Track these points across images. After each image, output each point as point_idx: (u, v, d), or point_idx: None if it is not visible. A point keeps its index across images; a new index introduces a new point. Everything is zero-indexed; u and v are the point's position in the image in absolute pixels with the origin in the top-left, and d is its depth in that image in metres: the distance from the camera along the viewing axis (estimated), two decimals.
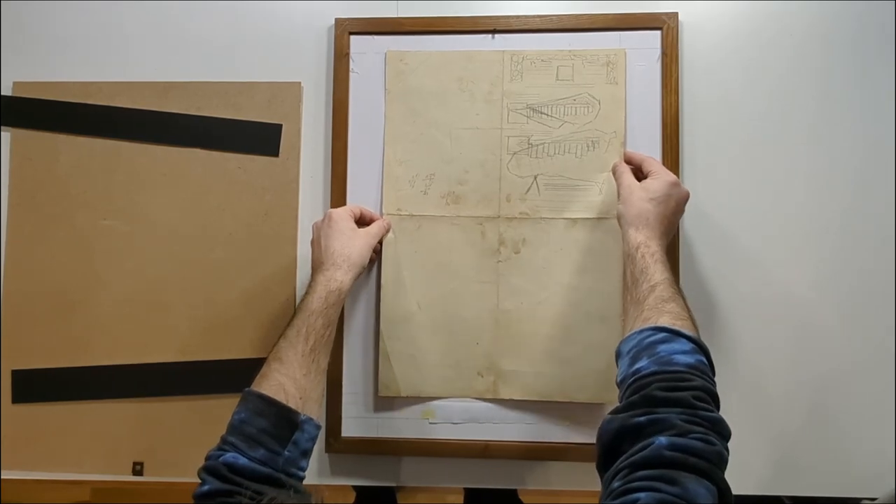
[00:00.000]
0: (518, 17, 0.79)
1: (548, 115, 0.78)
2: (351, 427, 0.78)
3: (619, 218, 0.69)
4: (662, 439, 0.47)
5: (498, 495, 1.12)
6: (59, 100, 0.82)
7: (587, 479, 0.77)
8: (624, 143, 0.77)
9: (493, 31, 0.79)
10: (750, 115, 0.79)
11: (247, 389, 0.61)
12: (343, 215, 0.73)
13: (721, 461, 0.48)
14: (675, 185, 0.69)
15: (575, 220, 0.77)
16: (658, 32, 0.77)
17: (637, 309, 0.61)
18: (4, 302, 0.81)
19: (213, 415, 0.79)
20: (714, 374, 0.56)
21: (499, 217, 0.78)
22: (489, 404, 0.77)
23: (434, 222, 0.78)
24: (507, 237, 0.78)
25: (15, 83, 0.83)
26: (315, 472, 0.78)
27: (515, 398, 0.77)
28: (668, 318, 0.58)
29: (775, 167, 0.78)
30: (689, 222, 0.78)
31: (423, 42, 0.80)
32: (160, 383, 0.79)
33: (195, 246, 0.80)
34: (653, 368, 0.53)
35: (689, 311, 0.60)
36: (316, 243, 0.73)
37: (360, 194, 0.79)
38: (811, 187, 0.78)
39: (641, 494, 0.44)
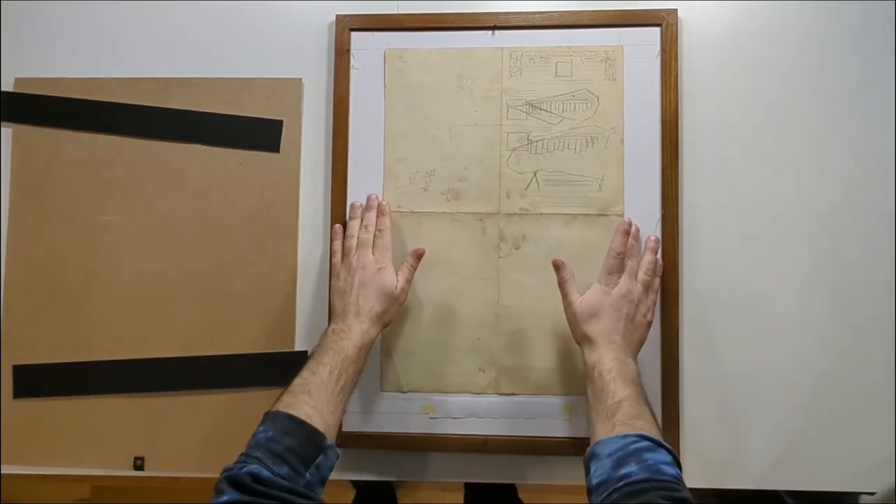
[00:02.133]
0: (518, 13, 0.79)
1: (547, 111, 0.78)
2: (352, 422, 0.78)
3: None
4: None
5: (498, 493, 1.12)
6: (60, 96, 0.82)
7: None
8: (623, 140, 0.77)
9: (494, 28, 0.79)
10: (749, 112, 0.79)
11: (272, 410, 0.61)
12: (390, 272, 0.73)
13: None
14: (605, 293, 0.69)
15: (574, 216, 0.77)
16: (657, 29, 0.78)
17: (607, 423, 0.61)
18: (5, 297, 0.81)
19: (214, 410, 0.79)
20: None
21: (499, 213, 0.78)
22: (490, 399, 0.77)
23: (434, 219, 0.79)
24: (508, 233, 0.78)
25: (16, 79, 0.83)
26: None
27: (516, 393, 0.77)
28: (646, 429, 0.59)
29: (775, 164, 0.78)
30: (688, 220, 0.78)
31: (423, 38, 0.80)
32: (162, 378, 0.79)
33: (196, 241, 0.81)
34: (645, 475, 0.54)
35: (657, 423, 0.62)
36: (356, 287, 0.72)
37: (361, 191, 0.79)
38: (811, 184, 0.78)
39: None
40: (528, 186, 0.78)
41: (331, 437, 0.61)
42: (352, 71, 0.80)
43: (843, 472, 0.76)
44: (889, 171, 0.78)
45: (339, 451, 0.62)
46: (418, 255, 0.75)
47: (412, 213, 0.79)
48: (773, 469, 0.77)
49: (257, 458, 0.55)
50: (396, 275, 0.73)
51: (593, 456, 0.59)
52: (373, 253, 0.73)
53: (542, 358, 0.77)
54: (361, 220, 0.76)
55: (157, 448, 0.79)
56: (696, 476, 0.77)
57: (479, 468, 0.78)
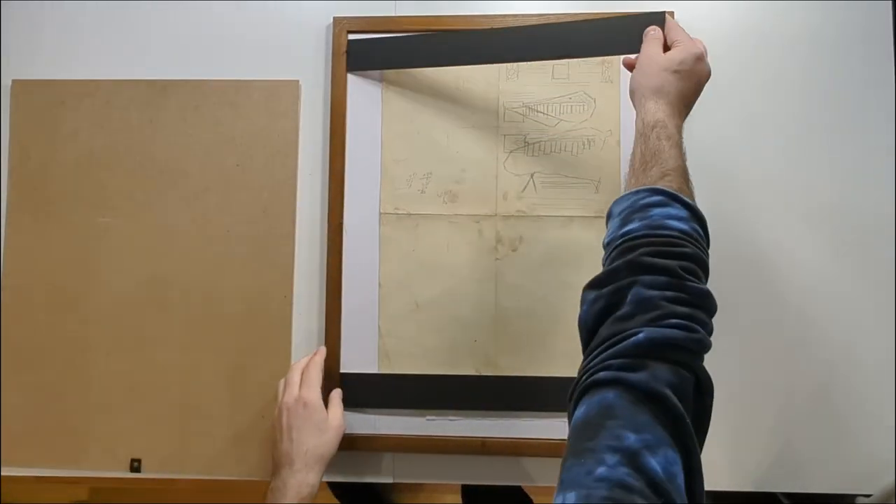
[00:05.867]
0: (515, 15, 0.79)
1: (544, 113, 0.78)
2: (349, 423, 0.77)
3: (632, 92, 0.62)
4: (640, 336, 0.44)
5: (495, 495, 1.12)
6: (392, 35, 0.79)
7: None
8: (619, 142, 0.77)
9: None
10: (745, 113, 0.79)
11: None
12: (317, 403, 0.70)
13: (701, 348, 0.46)
14: (700, 59, 0.61)
15: (571, 218, 0.77)
16: None
17: (635, 183, 0.56)
18: (4, 299, 0.81)
19: (212, 411, 0.79)
20: (708, 246, 0.53)
21: (496, 215, 0.78)
22: None
23: (431, 221, 0.79)
24: (505, 235, 0.78)
25: (14, 81, 0.83)
26: None
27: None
28: (668, 185, 0.54)
29: (771, 164, 0.78)
30: None
31: None
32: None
33: (193, 243, 0.81)
34: (643, 231, 0.50)
35: (692, 196, 0.55)
36: (285, 431, 0.68)
37: (358, 193, 0.79)
38: (808, 184, 0.78)
39: (610, 392, 0.43)
40: (525, 188, 0.78)
41: None
42: (349, 72, 0.80)
43: (839, 474, 0.76)
44: (889, 169, 0.78)
45: None
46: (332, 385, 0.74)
47: (409, 215, 0.79)
48: (770, 472, 0.76)
49: None
50: (326, 407, 0.71)
51: (608, 216, 0.56)
52: (300, 389, 0.71)
53: (540, 359, 0.77)
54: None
55: (154, 450, 0.79)
56: None
57: (478, 470, 0.78)
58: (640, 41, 0.66)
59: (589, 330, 0.49)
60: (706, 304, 0.48)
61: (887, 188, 0.77)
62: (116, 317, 0.80)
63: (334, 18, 0.81)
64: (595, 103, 0.78)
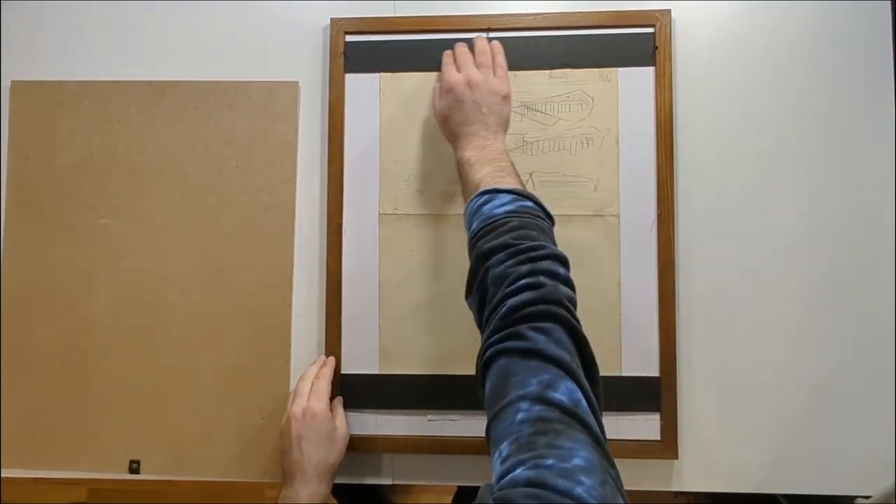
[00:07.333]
0: (512, 15, 0.79)
1: (542, 112, 0.78)
2: (350, 424, 0.77)
3: None
4: (503, 309, 0.51)
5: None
6: (391, 38, 0.80)
7: None
8: (618, 140, 0.77)
9: (488, 30, 0.79)
10: (744, 112, 0.79)
11: None
12: (325, 414, 0.71)
13: (554, 298, 0.51)
14: (448, 91, 0.70)
15: (570, 217, 0.77)
16: (651, 30, 0.78)
17: None
18: (3, 300, 0.81)
19: (210, 412, 0.79)
20: (547, 212, 0.62)
21: None
22: None
23: (430, 221, 0.79)
24: None
25: (12, 82, 0.83)
26: None
27: None
28: (489, 183, 0.62)
29: (770, 163, 0.78)
30: (683, 220, 0.78)
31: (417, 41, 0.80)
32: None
33: (192, 244, 0.81)
34: (479, 226, 0.59)
35: (517, 181, 0.64)
36: (294, 442, 0.69)
37: (357, 194, 0.79)
38: (807, 184, 0.78)
39: (501, 360, 0.50)
40: None
41: None
42: (347, 74, 0.80)
43: (839, 475, 0.76)
44: (888, 170, 0.77)
45: None
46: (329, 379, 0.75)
47: (408, 215, 0.79)
48: (770, 473, 0.76)
49: None
50: (334, 417, 0.73)
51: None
52: (308, 400, 0.72)
53: None
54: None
55: (153, 451, 0.79)
56: (693, 480, 0.76)
57: (479, 471, 0.78)
58: (635, 55, 0.77)
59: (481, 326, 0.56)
60: (544, 255, 0.54)
61: (887, 188, 0.77)
62: (115, 318, 0.80)
63: (331, 20, 0.81)
64: (593, 102, 0.78)
